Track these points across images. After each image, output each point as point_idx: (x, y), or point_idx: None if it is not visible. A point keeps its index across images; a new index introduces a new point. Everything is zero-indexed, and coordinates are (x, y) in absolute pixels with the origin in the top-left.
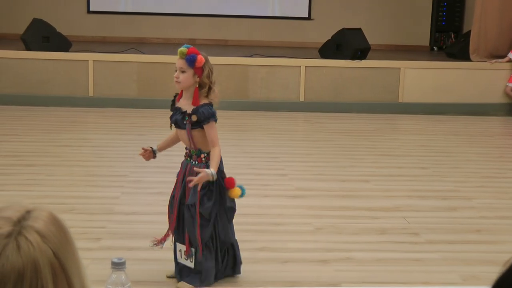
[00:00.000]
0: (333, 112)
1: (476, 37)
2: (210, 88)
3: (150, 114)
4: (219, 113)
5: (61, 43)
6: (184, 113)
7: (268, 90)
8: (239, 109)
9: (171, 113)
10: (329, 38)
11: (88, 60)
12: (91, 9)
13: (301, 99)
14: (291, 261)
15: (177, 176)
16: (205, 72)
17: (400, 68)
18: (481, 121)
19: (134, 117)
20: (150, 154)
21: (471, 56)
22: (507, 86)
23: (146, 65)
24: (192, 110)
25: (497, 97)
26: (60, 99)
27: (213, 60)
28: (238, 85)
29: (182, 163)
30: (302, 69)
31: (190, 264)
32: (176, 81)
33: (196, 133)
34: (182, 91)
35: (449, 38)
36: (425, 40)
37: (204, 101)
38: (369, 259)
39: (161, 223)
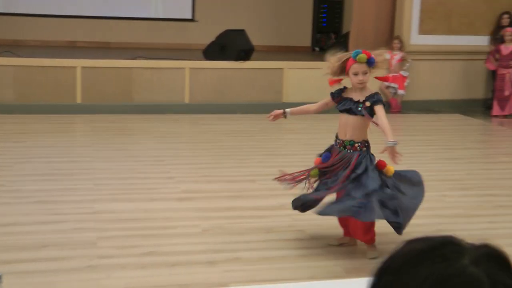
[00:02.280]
0: (219, 113)
1: (355, 38)
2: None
3: (28, 120)
4: (102, 117)
5: None
6: (357, 102)
7: (153, 93)
8: (123, 113)
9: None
10: (213, 39)
11: None
12: None
13: (186, 101)
14: (179, 264)
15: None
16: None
17: (283, 68)
18: None
19: (10, 124)
20: (281, 115)
21: None
22: (382, 83)
23: (23, 68)
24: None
25: None
26: None
27: (95, 63)
28: (122, 88)
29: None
30: (187, 70)
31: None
32: (361, 83)
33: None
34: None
35: (329, 38)
36: (306, 41)
37: (363, 94)
38: (257, 258)
39: (42, 233)
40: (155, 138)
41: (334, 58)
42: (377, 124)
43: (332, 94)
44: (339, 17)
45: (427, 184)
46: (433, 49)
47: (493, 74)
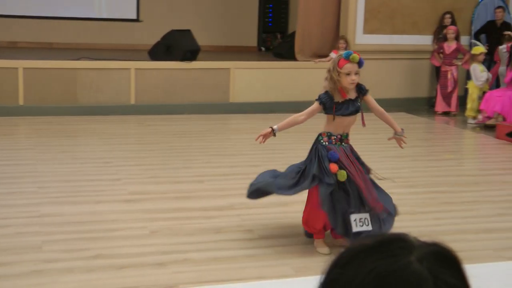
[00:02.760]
0: (165, 114)
1: (300, 38)
2: None
3: None
4: (46, 119)
5: None
6: (355, 100)
7: (98, 94)
8: (68, 114)
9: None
10: (159, 39)
11: None
12: None
13: (132, 102)
14: (128, 267)
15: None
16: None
17: (230, 68)
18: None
19: None
20: (270, 134)
21: (297, 56)
22: None
23: None
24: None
25: None
26: None
27: (38, 63)
28: (66, 89)
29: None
30: (132, 71)
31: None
32: (354, 83)
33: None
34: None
35: (275, 38)
36: (253, 41)
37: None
38: (206, 258)
39: None
40: (101, 140)
41: (327, 76)
42: (363, 123)
43: (323, 103)
44: (285, 17)
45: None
46: (378, 48)
47: (437, 72)
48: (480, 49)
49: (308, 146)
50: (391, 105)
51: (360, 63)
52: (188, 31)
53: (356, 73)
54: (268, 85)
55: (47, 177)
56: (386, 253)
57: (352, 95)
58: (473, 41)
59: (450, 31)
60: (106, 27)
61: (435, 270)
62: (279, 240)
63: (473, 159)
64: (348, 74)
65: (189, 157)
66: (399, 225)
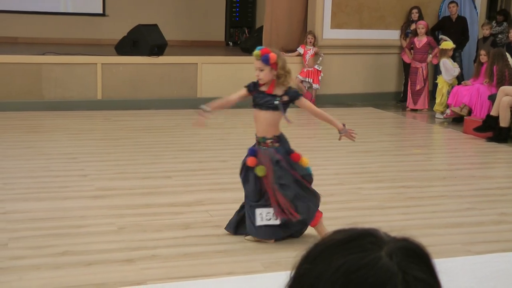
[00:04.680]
0: (133, 109)
1: (268, 33)
2: (286, 77)
3: None
4: (10, 114)
5: None
6: (274, 95)
7: (64, 89)
8: (34, 110)
9: None
10: (125, 34)
11: None
12: None
13: (99, 97)
14: (95, 263)
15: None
16: (280, 64)
17: (197, 63)
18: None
19: None
20: (203, 116)
21: None
22: (297, 77)
23: None
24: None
25: None
26: None
27: (2, 58)
28: (31, 84)
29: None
30: (99, 66)
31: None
32: (259, 79)
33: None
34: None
35: (243, 33)
36: (220, 36)
37: (281, 89)
38: (174, 254)
39: None
40: (68, 136)
41: None
42: (288, 121)
43: (248, 87)
44: (252, 12)
45: (343, 178)
46: (345, 43)
47: (404, 68)
48: (450, 44)
49: None
50: (358, 99)
51: (263, 60)
52: (155, 26)
53: (262, 70)
54: (236, 79)
55: (12, 173)
56: (356, 248)
57: (278, 92)
58: (442, 36)
59: (420, 25)
60: (72, 22)
61: (405, 265)
62: None
63: (441, 153)
64: (256, 69)
65: (157, 153)
66: (368, 220)
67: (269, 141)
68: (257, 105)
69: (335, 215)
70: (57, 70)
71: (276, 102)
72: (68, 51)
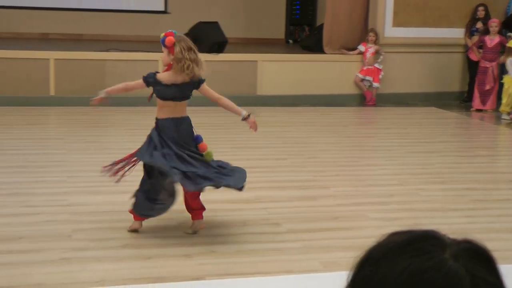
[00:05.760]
0: (192, 106)
1: (328, 30)
2: (188, 63)
3: (4, 112)
4: (76, 109)
5: None
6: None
7: None
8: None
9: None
10: (186, 31)
11: None
12: None
13: None
14: (155, 257)
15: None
16: (177, 49)
17: (257, 61)
18: (336, 111)
19: None
20: (100, 98)
21: (325, 49)
22: (356, 76)
23: None
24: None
25: (349, 88)
26: None
27: (68, 55)
28: (94, 80)
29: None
30: (160, 63)
31: None
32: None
33: None
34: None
35: (303, 31)
36: (280, 33)
37: (182, 75)
38: (232, 251)
39: (17, 225)
40: (129, 131)
41: None
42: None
43: (146, 80)
44: (313, 9)
45: (402, 178)
46: (407, 41)
47: (470, 67)
48: None
49: (329, 139)
50: (420, 99)
51: (161, 41)
52: (216, 23)
53: (162, 52)
54: (296, 78)
55: (76, 166)
56: (419, 250)
57: (179, 79)
58: (510, 34)
59: (494, 24)
60: (134, 19)
61: (472, 267)
62: (306, 234)
63: (506, 156)
64: None
65: (216, 150)
66: (429, 222)
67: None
68: (172, 98)
69: (394, 216)
70: (121, 66)
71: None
72: (130, 48)
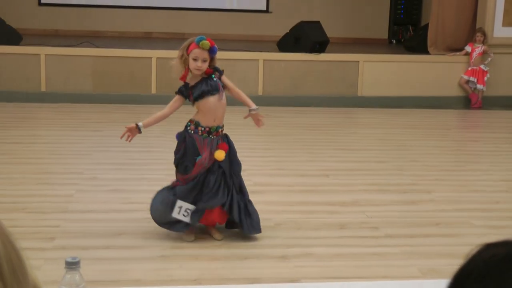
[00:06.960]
0: (292, 106)
1: (434, 30)
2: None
3: (105, 109)
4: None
5: (11, 36)
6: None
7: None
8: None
9: (124, 106)
10: (287, 31)
11: (40, 54)
12: (43, 1)
13: (260, 93)
14: (251, 257)
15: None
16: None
17: (359, 61)
18: (439, 114)
19: (88, 113)
20: (135, 130)
21: (429, 49)
22: (461, 77)
23: (101, 59)
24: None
25: (454, 90)
26: (10, 94)
27: (170, 53)
28: None
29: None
30: (261, 62)
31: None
32: (199, 69)
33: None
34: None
35: (407, 31)
36: (383, 33)
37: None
38: (329, 254)
39: (118, 221)
40: (227, 130)
41: (178, 55)
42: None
43: (180, 92)
44: (418, 9)
45: (509, 184)
46: None
47: None
48: None
49: (432, 142)
50: None
51: (211, 51)
52: (317, 22)
53: (205, 61)
54: (399, 79)
55: (154, 165)
56: None
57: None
58: None
59: None
60: (236, 18)
61: None
62: (406, 239)
63: None
64: (195, 59)
65: (315, 151)
66: None
67: (221, 129)
68: (204, 94)
69: (500, 224)
70: (221, 65)
71: (215, 80)
72: (232, 47)
